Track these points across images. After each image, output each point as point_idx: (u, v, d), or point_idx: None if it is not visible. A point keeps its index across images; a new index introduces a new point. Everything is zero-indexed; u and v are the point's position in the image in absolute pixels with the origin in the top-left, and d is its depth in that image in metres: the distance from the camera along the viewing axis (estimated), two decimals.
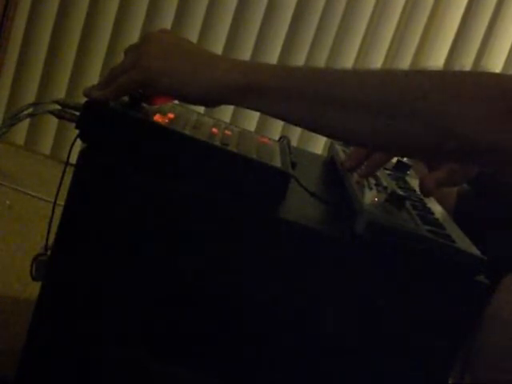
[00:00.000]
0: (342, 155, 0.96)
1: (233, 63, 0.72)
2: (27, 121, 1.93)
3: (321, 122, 0.70)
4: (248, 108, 0.71)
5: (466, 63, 1.98)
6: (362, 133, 0.69)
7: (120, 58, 0.76)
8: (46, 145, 2.02)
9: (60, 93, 1.97)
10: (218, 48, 1.95)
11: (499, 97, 0.63)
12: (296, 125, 0.74)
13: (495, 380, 0.72)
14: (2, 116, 1.98)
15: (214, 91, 0.70)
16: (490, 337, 0.72)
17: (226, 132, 0.81)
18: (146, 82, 0.71)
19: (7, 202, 1.56)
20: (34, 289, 0.78)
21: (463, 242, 0.73)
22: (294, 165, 0.78)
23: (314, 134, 0.77)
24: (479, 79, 0.67)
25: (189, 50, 0.73)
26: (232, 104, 0.72)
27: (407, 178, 0.96)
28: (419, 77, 0.69)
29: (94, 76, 1.96)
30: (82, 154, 0.70)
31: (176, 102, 0.83)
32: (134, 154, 0.71)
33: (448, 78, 0.68)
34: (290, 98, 0.69)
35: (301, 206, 0.77)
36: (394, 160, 1.02)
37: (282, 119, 0.74)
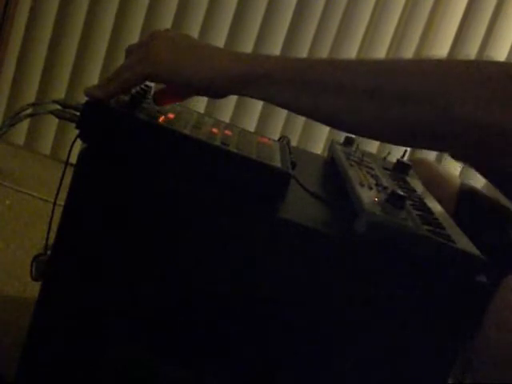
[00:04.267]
0: (342, 155, 0.96)
1: (237, 54, 0.73)
2: (27, 121, 1.93)
3: (325, 111, 0.70)
4: (252, 97, 0.71)
5: None
6: (370, 122, 0.68)
7: (120, 58, 0.76)
8: (46, 145, 2.02)
9: (60, 93, 1.97)
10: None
11: (504, 80, 0.63)
12: (299, 113, 0.74)
13: (496, 380, 0.72)
14: (2, 116, 1.98)
15: (220, 80, 0.71)
16: (490, 337, 0.72)
17: (226, 132, 0.81)
18: (154, 74, 0.72)
19: (7, 202, 1.56)
20: (33, 289, 0.78)
21: (463, 242, 0.73)
22: (294, 165, 0.78)
23: (313, 134, 0.76)
24: (483, 64, 0.67)
25: (194, 44, 0.75)
26: (237, 93, 0.72)
27: (407, 178, 0.96)
28: (425, 65, 0.69)
29: (93, 76, 1.96)
30: (81, 153, 0.71)
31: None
32: (134, 153, 0.72)
33: (451, 64, 0.68)
34: (294, 86, 0.69)
35: (301, 205, 0.77)
36: (394, 160, 1.02)
37: (286, 108, 0.74)
